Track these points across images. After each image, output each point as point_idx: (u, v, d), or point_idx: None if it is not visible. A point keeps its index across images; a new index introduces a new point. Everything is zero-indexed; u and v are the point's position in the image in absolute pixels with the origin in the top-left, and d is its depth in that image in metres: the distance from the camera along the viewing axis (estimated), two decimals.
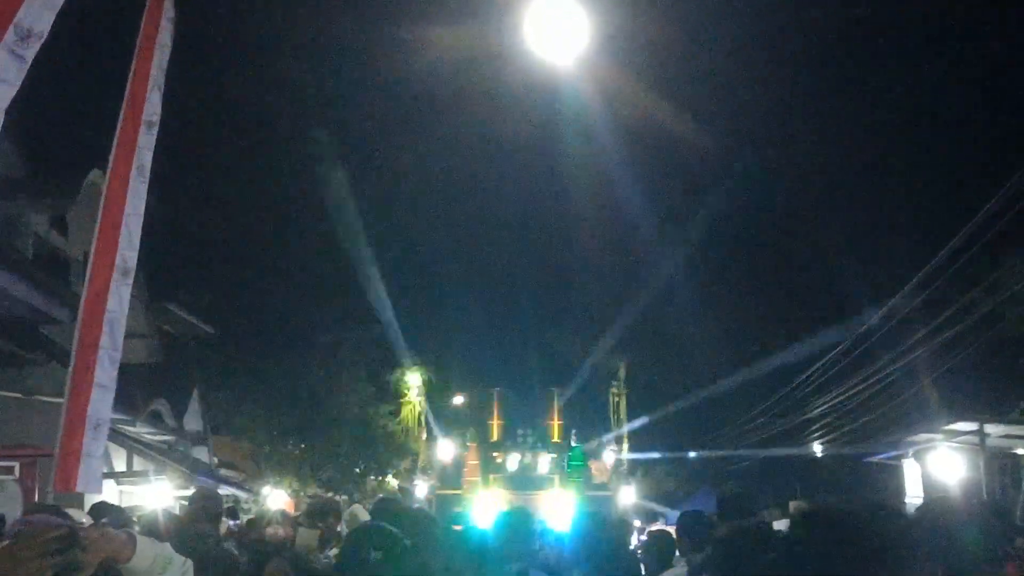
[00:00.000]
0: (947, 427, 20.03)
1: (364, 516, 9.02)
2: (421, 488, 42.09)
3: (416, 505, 39.69)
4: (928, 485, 20.65)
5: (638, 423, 49.08)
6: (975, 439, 19.56)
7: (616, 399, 50.10)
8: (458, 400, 47.53)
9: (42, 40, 5.93)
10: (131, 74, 9.72)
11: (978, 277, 23.85)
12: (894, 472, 22.80)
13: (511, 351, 45.65)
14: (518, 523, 7.48)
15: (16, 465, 10.87)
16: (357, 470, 35.50)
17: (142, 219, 9.77)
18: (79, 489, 10.10)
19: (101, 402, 9.80)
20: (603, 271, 47.97)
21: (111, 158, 9.78)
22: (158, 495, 17.77)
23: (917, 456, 21.44)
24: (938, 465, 20.38)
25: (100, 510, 9.16)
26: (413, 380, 43.25)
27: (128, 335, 19.80)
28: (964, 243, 21.66)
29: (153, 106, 9.74)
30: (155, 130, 9.84)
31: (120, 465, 18.65)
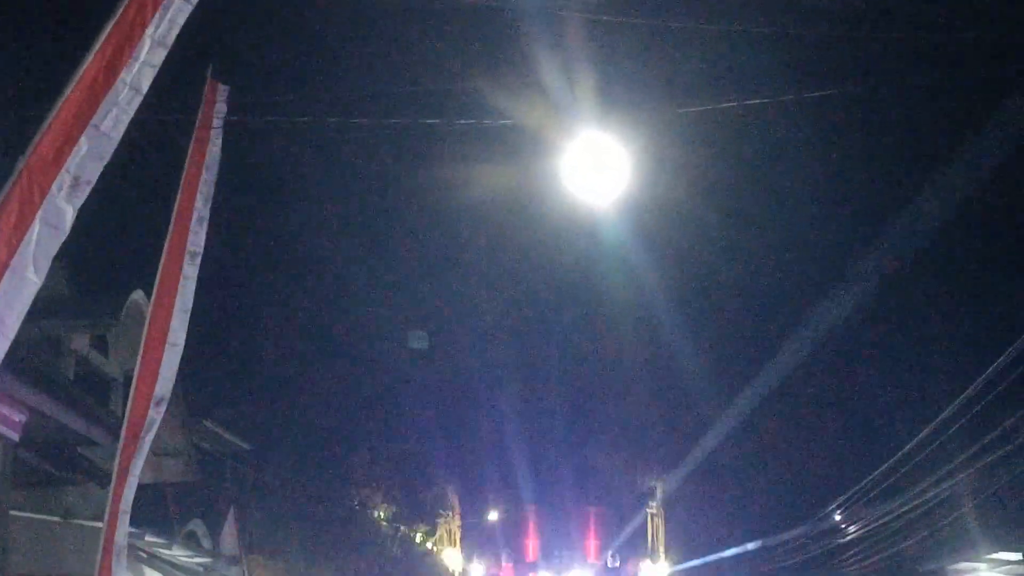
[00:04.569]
0: (990, 556, 19.67)
1: None
2: None
3: None
4: None
5: (674, 541, 48.50)
6: (1020, 569, 19.20)
7: (653, 517, 49.64)
8: (493, 516, 47.10)
9: (90, 187, 6.10)
10: (176, 206, 9.93)
11: None
12: None
13: (547, 470, 45.53)
14: None
15: None
16: None
17: (181, 349, 9.89)
18: None
19: (123, 527, 9.88)
20: (640, 394, 47.99)
21: (155, 288, 9.94)
22: None
23: None
24: None
25: None
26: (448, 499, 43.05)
27: (165, 453, 19.77)
28: (1009, 363, 21.38)
29: (197, 237, 9.93)
30: (198, 260, 10.00)
31: None
